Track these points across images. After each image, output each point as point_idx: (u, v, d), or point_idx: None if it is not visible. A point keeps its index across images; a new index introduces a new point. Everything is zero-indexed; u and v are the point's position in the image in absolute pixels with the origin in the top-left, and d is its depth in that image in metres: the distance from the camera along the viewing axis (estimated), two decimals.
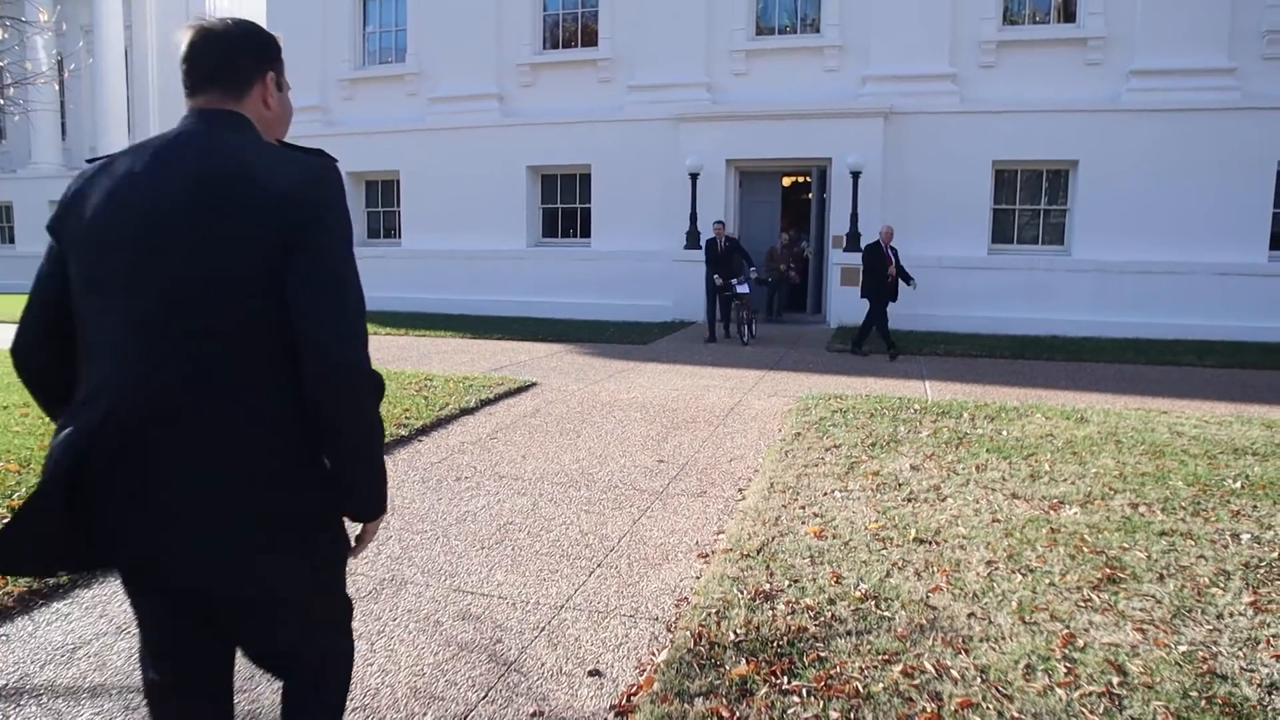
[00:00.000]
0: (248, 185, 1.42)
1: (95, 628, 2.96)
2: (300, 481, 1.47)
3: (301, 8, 18.31)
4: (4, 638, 2.89)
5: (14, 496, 4.16)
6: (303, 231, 1.43)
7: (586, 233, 16.57)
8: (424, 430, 5.92)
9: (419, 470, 4.98)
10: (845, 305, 14.37)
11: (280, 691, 1.68)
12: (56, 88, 24.41)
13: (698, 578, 3.39)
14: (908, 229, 14.91)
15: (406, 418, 6.15)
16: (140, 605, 1.55)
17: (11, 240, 27.44)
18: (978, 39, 14.61)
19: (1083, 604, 3.03)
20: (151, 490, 1.38)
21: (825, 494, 4.36)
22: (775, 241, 15.72)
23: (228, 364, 1.40)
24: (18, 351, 1.53)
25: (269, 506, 1.43)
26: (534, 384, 7.93)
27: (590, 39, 16.63)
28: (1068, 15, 14.60)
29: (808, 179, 17.97)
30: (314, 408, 1.43)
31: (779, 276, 15.26)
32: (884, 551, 3.54)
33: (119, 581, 1.61)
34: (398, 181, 17.95)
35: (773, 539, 3.68)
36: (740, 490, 4.63)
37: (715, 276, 12.30)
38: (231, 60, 1.57)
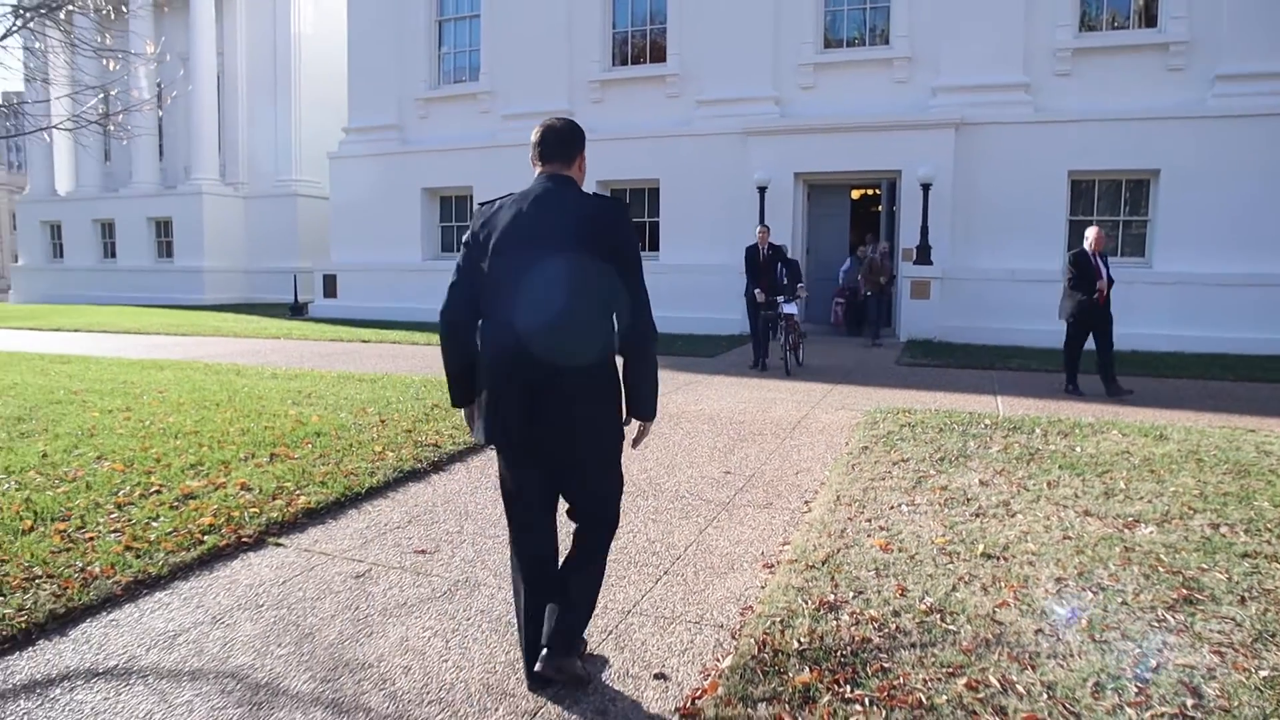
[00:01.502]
0: (591, 216, 2.55)
1: (193, 617, 3.18)
2: (617, 395, 2.62)
3: (379, 30, 19.04)
4: (114, 622, 3.13)
5: (119, 494, 4.47)
6: (615, 239, 2.55)
7: (655, 246, 16.74)
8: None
9: (492, 477, 5.15)
10: (915, 319, 14.20)
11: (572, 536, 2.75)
12: (158, 113, 25.95)
13: (762, 587, 3.45)
14: (978, 241, 14.69)
15: None
16: (515, 470, 2.65)
17: (114, 255, 29.09)
18: (1053, 47, 14.31)
19: (1157, 624, 2.98)
20: (535, 396, 2.49)
21: (892, 508, 4.36)
22: (868, 251, 15.30)
23: (593, 319, 2.55)
24: (446, 311, 2.65)
25: (602, 409, 2.57)
26: None
27: (659, 55, 16.85)
28: (1148, 20, 14.19)
29: (876, 191, 17.85)
30: (623, 343, 2.61)
31: (878, 290, 13.94)
32: (950, 566, 3.53)
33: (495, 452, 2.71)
34: (470, 197, 18.44)
35: (838, 551, 3.71)
36: (806, 502, 4.66)
37: (756, 291, 10.29)
38: (567, 146, 2.63)
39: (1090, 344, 8.76)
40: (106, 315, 20.01)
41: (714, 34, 16.04)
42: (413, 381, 8.54)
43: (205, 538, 3.87)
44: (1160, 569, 3.47)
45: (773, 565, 3.71)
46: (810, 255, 16.07)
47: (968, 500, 4.46)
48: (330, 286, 19.87)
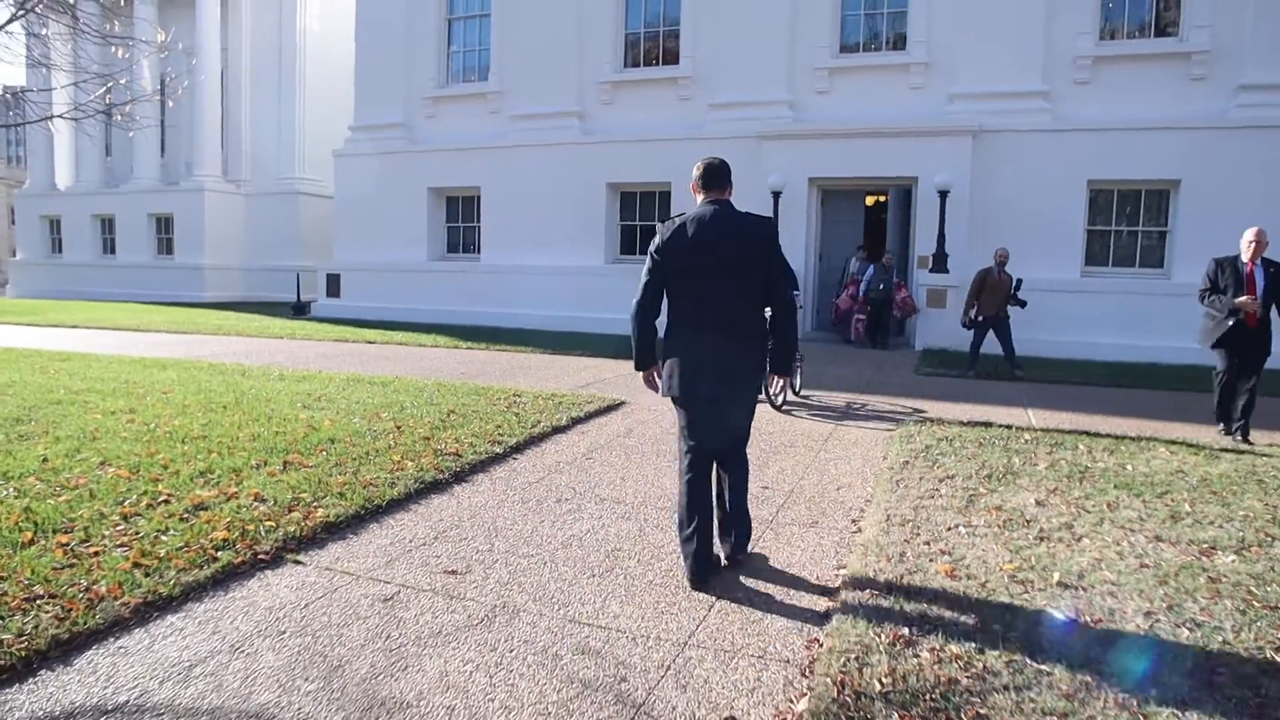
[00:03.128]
0: (751, 230, 3.55)
1: (209, 645, 2.91)
2: (764, 353, 3.68)
3: (388, 27, 18.81)
4: (123, 650, 2.86)
5: (125, 504, 4.20)
6: (771, 248, 3.59)
7: None
8: (518, 448, 5.84)
9: (518, 490, 4.89)
10: (930, 328, 13.97)
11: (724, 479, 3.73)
12: (169, 105, 25.64)
13: (824, 615, 3.19)
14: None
15: (500, 434, 6.08)
16: (691, 412, 3.61)
17: (113, 251, 28.77)
18: (1073, 55, 14.12)
19: (1268, 668, 2.73)
20: (712, 363, 3.50)
21: (948, 529, 4.11)
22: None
23: (755, 304, 3.59)
24: (643, 302, 3.59)
25: (759, 371, 3.67)
26: (623, 402, 7.82)
27: (671, 57, 16.63)
28: (1170, 29, 13.98)
29: (884, 199, 17.63)
30: (774, 319, 3.68)
31: (999, 316, 10.86)
32: (1026, 595, 3.28)
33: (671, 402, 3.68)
34: (478, 197, 18.20)
35: (901, 577, 3.45)
36: (854, 521, 4.41)
37: None
38: (724, 178, 3.64)
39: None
40: (106, 311, 19.71)
41: (728, 36, 15.83)
42: (425, 385, 8.27)
43: (219, 554, 3.60)
44: (1255, 603, 3.22)
45: (830, 589, 3.45)
46: (823, 262, 15.83)
47: (1027, 522, 4.20)
48: (334, 286, 19.58)
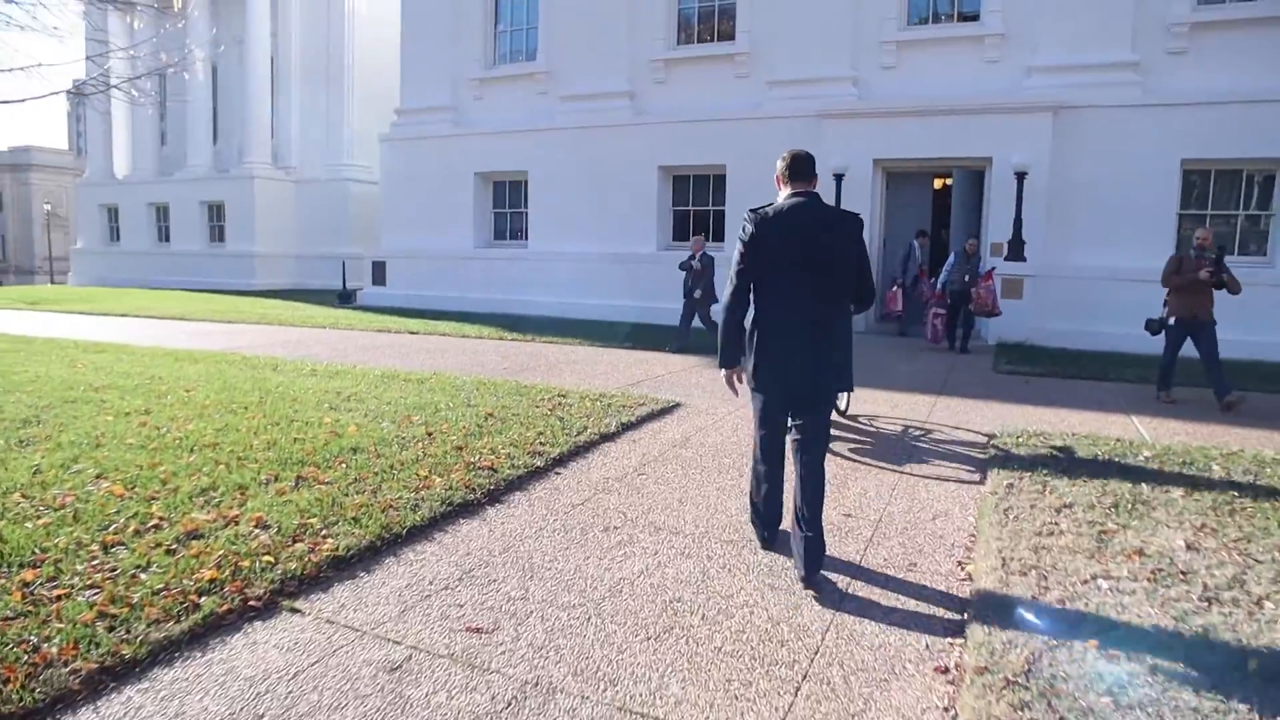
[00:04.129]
0: (843, 225, 3.54)
1: None
2: (850, 345, 3.86)
3: (434, 7, 18.32)
4: None
5: (110, 530, 3.65)
6: (859, 242, 3.58)
7: (720, 236, 15.71)
8: (561, 460, 5.19)
9: (559, 514, 4.23)
10: (1006, 320, 12.93)
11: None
12: (186, 78, 25.58)
13: (949, 712, 2.47)
14: (1075, 237, 13.37)
15: (541, 443, 5.44)
16: (770, 403, 3.59)
17: (168, 239, 28.97)
18: (1166, 21, 12.91)
19: None
20: (803, 363, 3.46)
21: (1084, 581, 3.34)
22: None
23: (844, 302, 3.62)
24: (735, 299, 3.52)
25: (843, 367, 3.86)
26: (678, 404, 7.12)
27: (727, 33, 15.79)
28: None
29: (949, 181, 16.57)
30: (857, 311, 3.78)
31: (1198, 319, 8.11)
32: (1220, 696, 2.51)
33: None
34: (526, 182, 17.63)
35: (1039, 655, 2.71)
36: (960, 564, 3.66)
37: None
38: (810, 169, 3.59)
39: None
40: (156, 300, 19.68)
41: (787, 9, 14.92)
42: (464, 383, 7.68)
43: (202, 600, 3.02)
44: None
45: (949, 670, 2.72)
46: (885, 249, 14.88)
47: (1184, 575, 3.40)
48: (379, 273, 19.23)
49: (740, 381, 3.65)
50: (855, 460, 5.38)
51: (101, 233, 31.07)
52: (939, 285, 12.14)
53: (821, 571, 3.44)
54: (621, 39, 16.29)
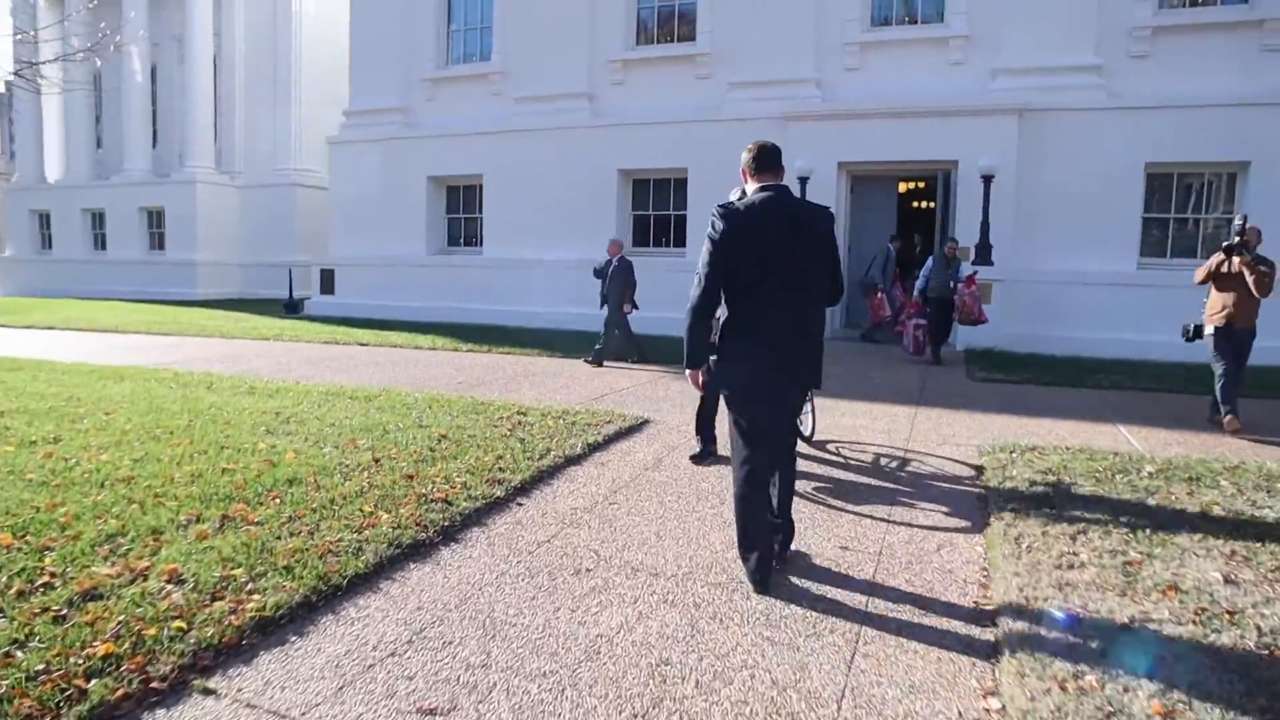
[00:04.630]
0: (817, 218, 3.45)
1: None
2: (822, 352, 3.53)
3: (385, 6, 17.66)
4: None
5: None
6: (830, 235, 3.47)
7: (682, 241, 15.33)
8: (523, 489, 4.70)
9: (523, 555, 3.74)
10: (974, 327, 12.74)
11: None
12: (149, 96, 24.60)
13: None
14: (1041, 240, 13.25)
15: (500, 469, 4.94)
16: (758, 409, 3.43)
17: (104, 247, 27.69)
18: (1129, 25, 12.87)
19: None
20: (780, 362, 3.37)
21: (1123, 626, 2.95)
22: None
23: (818, 297, 3.49)
24: (705, 299, 3.33)
25: (817, 365, 3.48)
26: (646, 420, 6.66)
27: (688, 33, 15.43)
28: None
29: (922, 185, 16.43)
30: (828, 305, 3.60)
31: (1241, 327, 6.88)
32: None
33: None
34: (480, 186, 17.05)
35: None
36: (976, 604, 3.26)
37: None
38: (779, 160, 3.50)
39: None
40: (89, 311, 18.64)
41: (750, 10, 14.61)
42: (415, 401, 7.13)
43: (90, 685, 2.48)
44: None
45: None
46: (851, 254, 14.61)
47: (1231, 615, 3.03)
48: (328, 282, 18.46)
49: (707, 377, 3.51)
50: (824, 504, 4.57)
51: (32, 240, 29.59)
52: (916, 292, 11.34)
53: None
54: (580, 39, 15.83)
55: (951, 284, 10.90)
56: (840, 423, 6.79)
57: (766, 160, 3.43)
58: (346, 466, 4.88)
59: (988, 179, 12.74)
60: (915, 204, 17.06)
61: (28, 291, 27.92)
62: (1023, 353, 12.05)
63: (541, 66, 16.13)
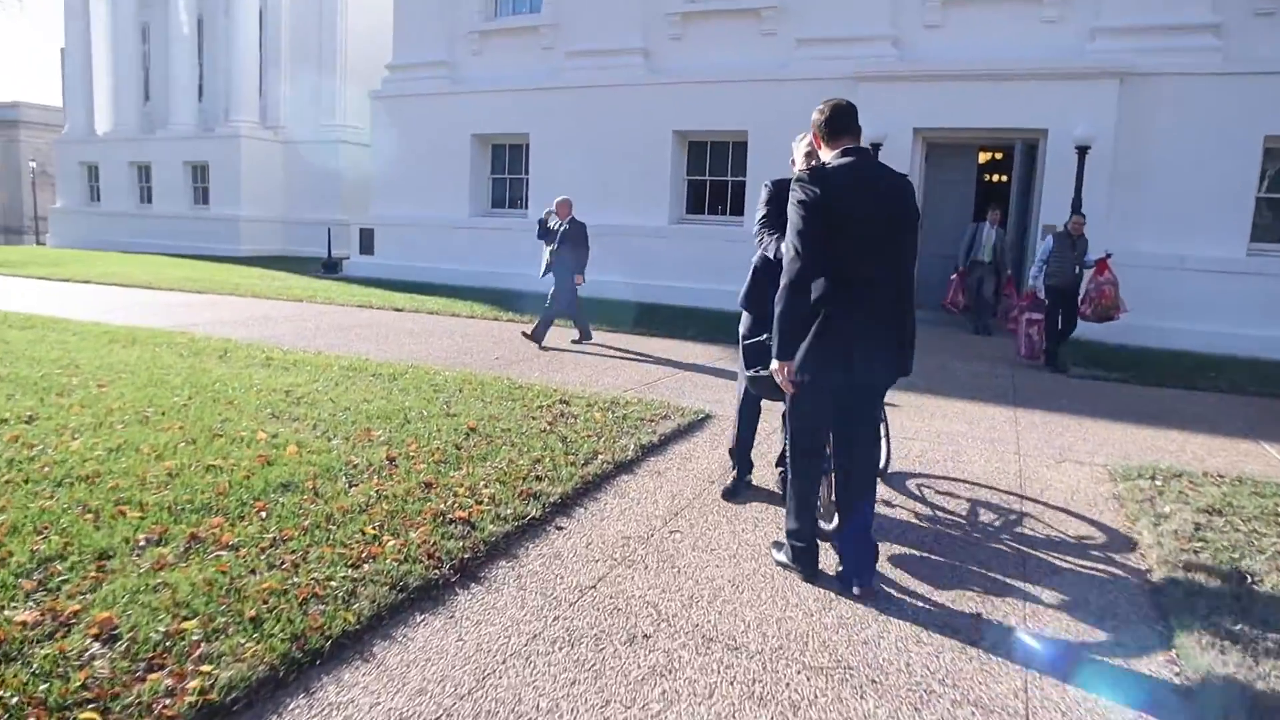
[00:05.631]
0: (904, 187, 3.12)
1: None
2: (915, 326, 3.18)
3: None
4: None
5: None
6: (915, 204, 3.13)
7: (739, 209, 14.31)
8: (563, 506, 3.87)
9: (562, 608, 2.92)
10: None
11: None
12: (195, 49, 24.07)
13: None
14: (1139, 220, 11.97)
15: (537, 477, 4.12)
16: (825, 399, 3.08)
17: (150, 200, 27.47)
18: None
19: None
20: (880, 337, 3.00)
21: None
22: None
23: (909, 265, 3.09)
24: (804, 279, 2.93)
25: (913, 338, 3.14)
26: (707, 416, 5.80)
27: None
28: None
29: (999, 156, 15.15)
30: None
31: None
32: None
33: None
34: (526, 146, 16.15)
35: None
36: None
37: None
38: (857, 120, 3.12)
39: None
40: (129, 265, 18.27)
41: None
42: (445, 381, 6.35)
43: None
44: None
45: None
46: (926, 229, 13.46)
47: None
48: (367, 242, 17.81)
49: (802, 377, 3.01)
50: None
51: (82, 192, 29.53)
52: (1031, 280, 9.28)
53: None
54: None
55: (1077, 269, 8.95)
56: (930, 428, 5.84)
57: (843, 121, 3.08)
58: (354, 467, 4.10)
59: (1083, 150, 11.50)
60: (989, 177, 15.76)
61: (77, 244, 27.87)
62: (1114, 344, 10.90)
63: (594, 19, 15.09)
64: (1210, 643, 2.75)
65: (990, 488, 4.48)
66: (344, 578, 2.91)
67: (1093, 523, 4.00)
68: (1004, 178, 14.80)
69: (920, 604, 3.06)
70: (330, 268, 18.25)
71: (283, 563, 2.99)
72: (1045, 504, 4.25)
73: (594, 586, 3.09)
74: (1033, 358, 9.22)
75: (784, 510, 3.93)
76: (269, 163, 25.80)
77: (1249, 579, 3.29)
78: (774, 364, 3.06)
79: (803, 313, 2.95)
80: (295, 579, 2.87)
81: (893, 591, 3.15)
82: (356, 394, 5.74)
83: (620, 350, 8.78)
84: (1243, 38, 11.59)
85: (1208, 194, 11.64)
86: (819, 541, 3.29)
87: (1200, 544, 3.65)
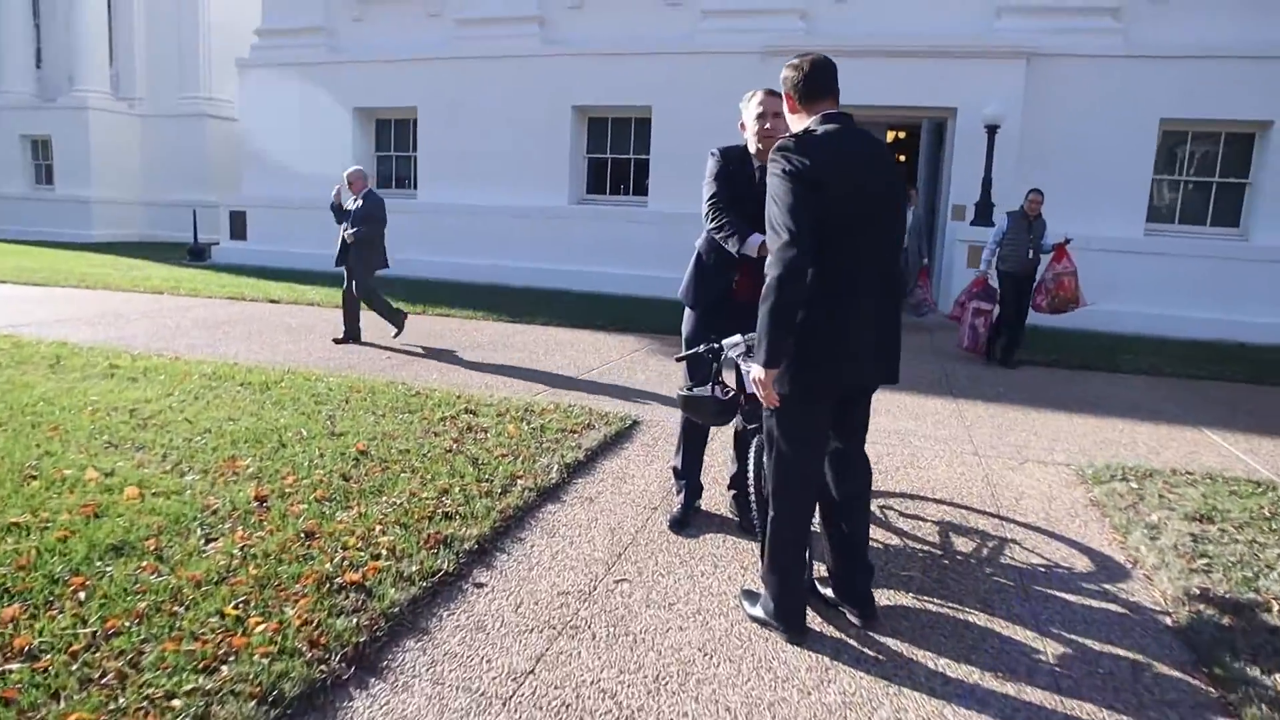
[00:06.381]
0: (891, 157, 2.80)
1: None
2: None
3: None
4: None
5: None
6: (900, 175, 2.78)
7: (643, 189, 13.70)
8: (482, 551, 3.14)
9: (493, 705, 2.21)
10: None
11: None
12: (31, 8, 21.46)
13: None
14: (1048, 200, 11.98)
15: (447, 513, 3.37)
16: (821, 408, 2.58)
17: None
18: None
19: None
20: (873, 339, 2.55)
21: None
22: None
23: (899, 248, 2.73)
24: (802, 262, 2.34)
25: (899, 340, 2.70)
26: (635, 422, 5.12)
27: None
28: None
29: (903, 135, 15.07)
30: None
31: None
32: None
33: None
34: (414, 121, 15.01)
35: None
36: None
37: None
38: (835, 80, 2.60)
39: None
40: None
41: None
42: (328, 389, 5.46)
43: None
44: None
45: None
46: None
47: None
48: (239, 226, 16.25)
49: (787, 389, 2.50)
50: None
51: None
52: (983, 265, 8.26)
53: None
54: None
55: (1032, 253, 8.01)
56: (876, 424, 5.37)
57: (824, 80, 2.56)
58: (213, 514, 3.25)
59: (992, 129, 11.42)
60: (895, 156, 15.69)
61: None
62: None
63: None
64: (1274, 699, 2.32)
65: (965, 508, 4.01)
66: (192, 692, 2.11)
67: (1085, 549, 3.57)
68: (906, 157, 14.72)
69: (931, 665, 2.51)
70: (197, 254, 16.56)
71: (103, 675, 2.17)
72: (1027, 525, 3.80)
73: (532, 671, 2.40)
74: (975, 349, 8.42)
75: (746, 543, 3.34)
76: (123, 138, 23.40)
77: (1277, 606, 2.91)
78: (758, 371, 2.47)
79: (795, 315, 2.41)
80: (119, 701, 2.06)
81: (899, 650, 2.60)
82: (220, 410, 4.79)
83: (528, 345, 8.02)
84: (1140, 22, 11.76)
85: (1109, 175, 11.80)
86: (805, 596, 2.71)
87: (1205, 561, 3.26)
